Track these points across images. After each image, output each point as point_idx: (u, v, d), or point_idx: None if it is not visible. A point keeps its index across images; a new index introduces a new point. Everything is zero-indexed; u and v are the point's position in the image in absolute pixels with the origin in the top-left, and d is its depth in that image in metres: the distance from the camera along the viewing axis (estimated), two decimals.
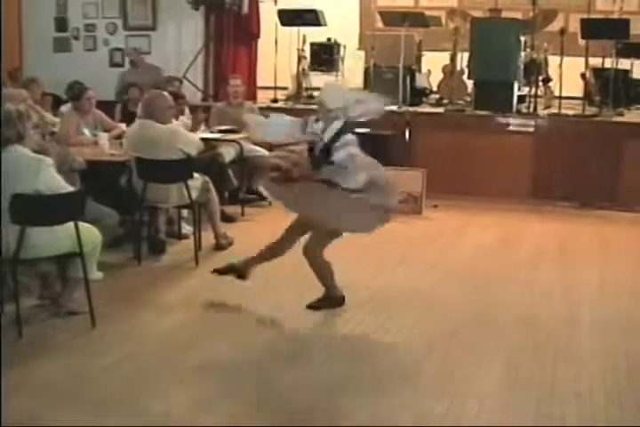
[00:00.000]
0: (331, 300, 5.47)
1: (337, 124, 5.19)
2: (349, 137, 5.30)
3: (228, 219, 7.67)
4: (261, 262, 5.66)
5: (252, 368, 4.44)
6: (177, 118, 7.56)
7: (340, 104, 5.20)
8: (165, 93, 6.82)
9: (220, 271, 5.74)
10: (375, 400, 4.07)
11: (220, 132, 8.27)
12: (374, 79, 10.24)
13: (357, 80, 11.05)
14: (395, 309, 5.51)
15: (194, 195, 6.48)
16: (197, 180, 6.62)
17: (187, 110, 8.43)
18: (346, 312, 5.39)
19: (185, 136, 6.64)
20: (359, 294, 5.69)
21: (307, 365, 4.52)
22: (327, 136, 5.19)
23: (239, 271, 5.67)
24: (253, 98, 10.48)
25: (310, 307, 5.44)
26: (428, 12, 10.94)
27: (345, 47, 11.48)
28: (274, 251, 5.60)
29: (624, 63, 10.62)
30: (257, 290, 5.73)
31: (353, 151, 5.28)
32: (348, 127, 5.27)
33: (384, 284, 6.04)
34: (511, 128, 9.23)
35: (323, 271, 5.43)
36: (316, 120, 5.28)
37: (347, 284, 5.75)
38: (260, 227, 7.76)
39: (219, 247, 6.83)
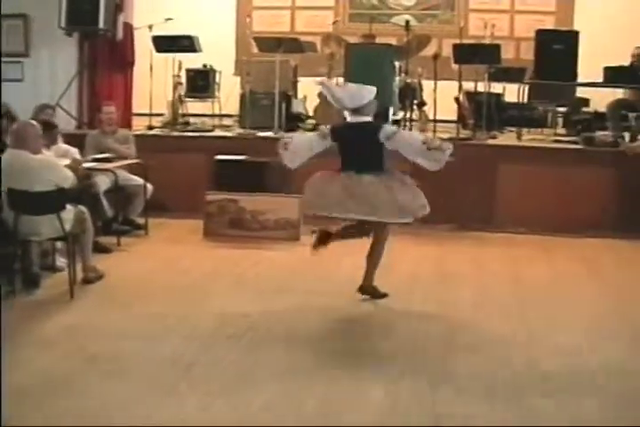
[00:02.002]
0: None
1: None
2: None
3: (103, 250, 7.63)
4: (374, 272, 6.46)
5: (128, 402, 4.44)
6: (48, 148, 7.48)
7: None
8: (34, 122, 6.76)
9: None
10: None
11: (94, 160, 8.24)
12: (250, 105, 10.32)
13: (234, 106, 11.16)
14: (274, 339, 5.52)
15: (67, 226, 6.40)
16: (70, 211, 6.56)
17: (60, 139, 8.35)
18: (219, 343, 5.38)
19: (58, 168, 6.56)
20: (235, 323, 5.73)
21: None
22: None
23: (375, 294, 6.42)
24: (129, 125, 10.46)
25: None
26: (303, 38, 11.14)
27: (221, 73, 11.59)
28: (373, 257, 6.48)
29: (496, 87, 11.01)
30: (133, 323, 5.74)
31: None
32: None
33: (262, 313, 6.03)
34: None
35: None
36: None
37: (221, 313, 5.83)
38: (137, 257, 7.75)
39: (87, 281, 6.72)
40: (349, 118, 6.36)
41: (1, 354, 4.56)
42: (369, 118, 6.31)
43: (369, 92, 6.32)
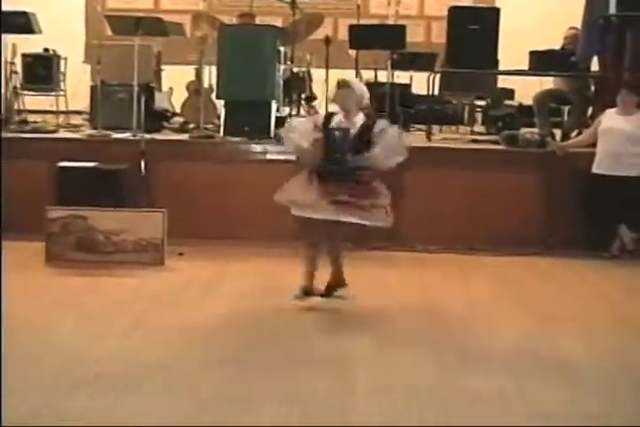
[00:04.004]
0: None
1: (359, 117, 7.06)
2: (383, 122, 7.22)
3: None
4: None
5: None
6: None
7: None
8: None
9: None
10: None
11: None
12: (103, 100, 10.31)
13: (83, 101, 11.16)
14: (128, 387, 5.46)
15: None
16: None
17: None
18: (61, 392, 5.31)
19: None
20: (82, 368, 5.69)
21: None
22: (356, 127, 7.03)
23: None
24: None
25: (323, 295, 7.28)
26: (168, 17, 11.16)
27: (67, 60, 11.56)
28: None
29: (402, 76, 11.26)
30: None
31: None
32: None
33: (114, 355, 5.99)
34: (269, 157, 9.60)
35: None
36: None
37: (65, 355, 5.82)
38: None
39: None
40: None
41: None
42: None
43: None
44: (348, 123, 7.06)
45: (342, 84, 7.12)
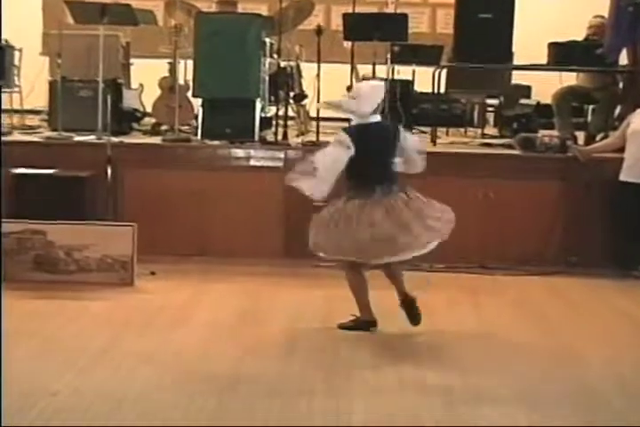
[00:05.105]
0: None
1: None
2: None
3: None
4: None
5: None
6: None
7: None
8: None
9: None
10: None
11: None
12: (63, 97, 10.34)
13: (41, 99, 11.16)
14: (93, 422, 5.44)
15: None
16: None
17: None
18: None
19: None
20: (38, 404, 5.66)
21: None
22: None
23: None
24: None
25: (342, 327, 7.29)
26: (137, 4, 11.10)
27: (21, 52, 11.56)
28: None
29: (404, 72, 11.29)
30: None
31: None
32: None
33: (76, 388, 5.98)
34: (253, 163, 9.62)
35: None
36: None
37: (21, 390, 5.81)
38: None
39: None
40: (362, 119, 7.14)
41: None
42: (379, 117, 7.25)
43: (379, 86, 7.37)
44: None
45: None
